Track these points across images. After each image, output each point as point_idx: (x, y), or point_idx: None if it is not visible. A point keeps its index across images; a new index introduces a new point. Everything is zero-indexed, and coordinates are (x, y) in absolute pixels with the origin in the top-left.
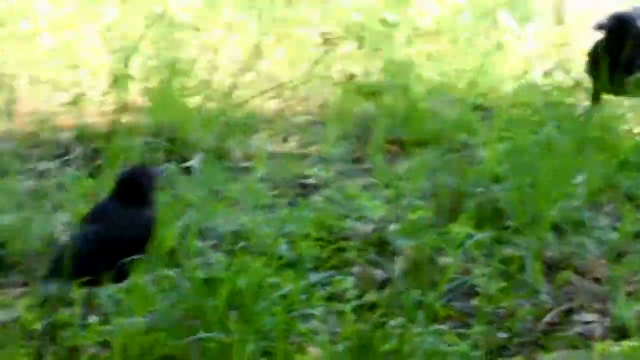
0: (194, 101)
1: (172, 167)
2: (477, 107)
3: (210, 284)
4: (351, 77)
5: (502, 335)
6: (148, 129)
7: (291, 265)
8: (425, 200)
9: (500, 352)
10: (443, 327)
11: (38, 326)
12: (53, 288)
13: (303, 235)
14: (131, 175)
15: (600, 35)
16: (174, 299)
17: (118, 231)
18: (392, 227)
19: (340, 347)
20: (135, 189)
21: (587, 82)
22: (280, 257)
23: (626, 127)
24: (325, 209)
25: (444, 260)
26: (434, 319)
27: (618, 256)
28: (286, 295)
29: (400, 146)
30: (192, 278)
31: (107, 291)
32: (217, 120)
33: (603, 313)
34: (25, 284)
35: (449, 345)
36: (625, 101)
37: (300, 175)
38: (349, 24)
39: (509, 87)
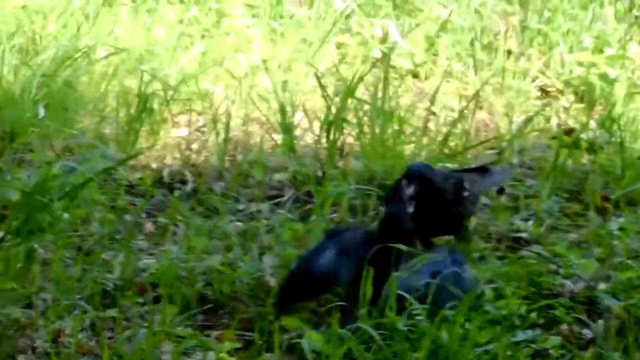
0: (408, 149)
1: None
2: None
3: (412, 336)
4: (569, 131)
5: None
6: (361, 174)
7: (497, 320)
8: (637, 260)
9: None
10: None
11: None
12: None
13: (511, 291)
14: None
15: None
16: (375, 350)
17: None
18: (602, 286)
19: None
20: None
21: None
22: (486, 312)
23: None
24: (535, 264)
25: None
26: None
27: None
28: (490, 352)
29: (613, 204)
30: (394, 329)
31: (308, 339)
32: None
33: None
34: (227, 327)
35: None
36: None
37: (511, 228)
38: (569, 77)
39: None
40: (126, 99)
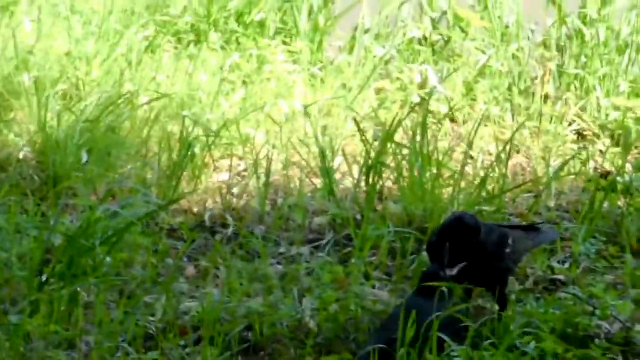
0: (446, 192)
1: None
2: None
3: None
4: (605, 174)
5: None
6: (399, 217)
7: None
8: None
9: None
10: None
11: None
12: None
13: (548, 331)
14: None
15: None
16: None
17: None
18: (638, 327)
19: None
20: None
21: None
22: (524, 353)
23: None
24: (571, 306)
25: None
26: None
27: None
28: None
29: None
30: None
31: None
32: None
33: None
34: None
35: None
36: None
37: (548, 270)
38: (605, 121)
39: None
40: (168, 144)
